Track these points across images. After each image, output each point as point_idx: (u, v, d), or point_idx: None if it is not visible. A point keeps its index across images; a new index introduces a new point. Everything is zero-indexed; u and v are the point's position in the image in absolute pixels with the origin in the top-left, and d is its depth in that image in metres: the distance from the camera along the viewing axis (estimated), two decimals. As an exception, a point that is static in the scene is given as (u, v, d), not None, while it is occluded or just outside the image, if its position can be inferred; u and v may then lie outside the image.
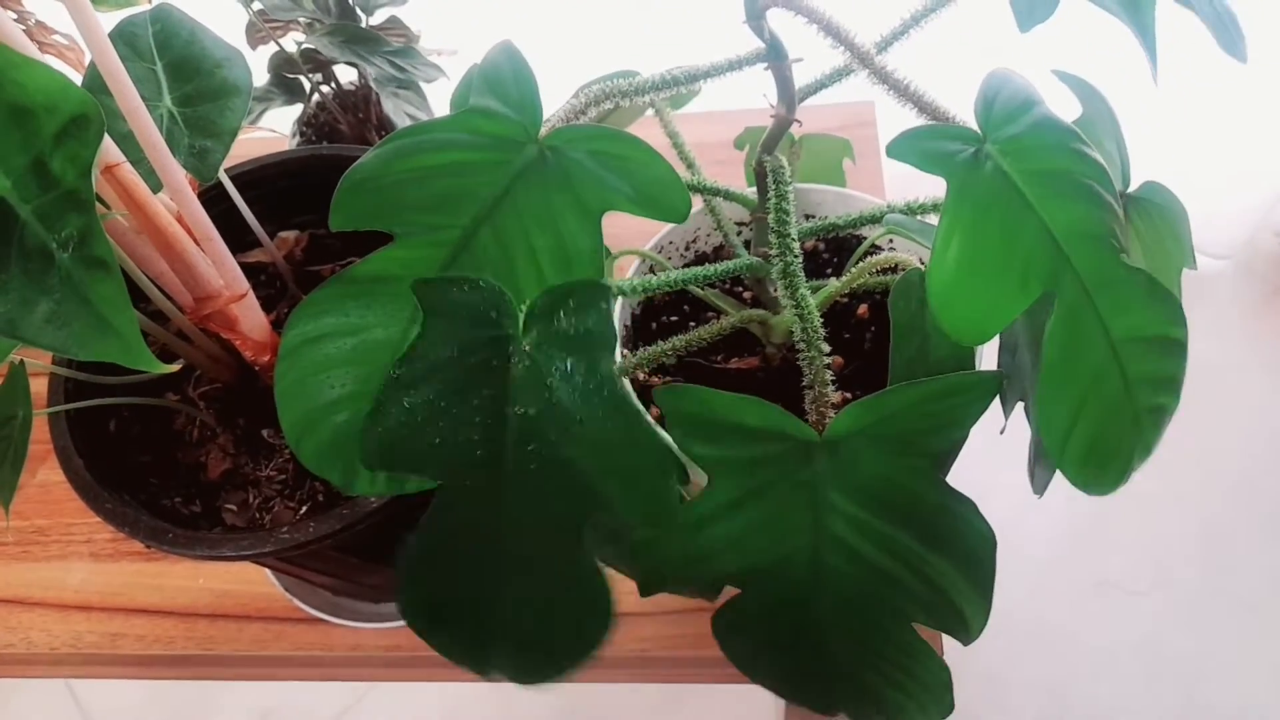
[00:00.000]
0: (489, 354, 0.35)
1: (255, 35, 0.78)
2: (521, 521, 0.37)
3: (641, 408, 0.35)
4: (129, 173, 0.44)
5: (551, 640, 0.39)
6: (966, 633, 0.43)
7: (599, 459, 0.35)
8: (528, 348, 0.35)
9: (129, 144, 0.44)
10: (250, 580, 0.73)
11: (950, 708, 0.44)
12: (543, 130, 0.41)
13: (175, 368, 0.38)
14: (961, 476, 0.41)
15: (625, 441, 0.35)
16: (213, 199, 0.51)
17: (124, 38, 0.51)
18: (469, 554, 0.38)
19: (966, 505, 0.40)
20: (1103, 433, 0.39)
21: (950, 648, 0.46)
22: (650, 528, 0.37)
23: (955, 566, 0.41)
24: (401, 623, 0.68)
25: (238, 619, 0.71)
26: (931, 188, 0.52)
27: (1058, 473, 0.42)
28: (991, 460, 0.60)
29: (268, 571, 0.72)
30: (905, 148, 0.38)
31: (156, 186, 0.45)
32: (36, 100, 0.34)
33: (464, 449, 0.36)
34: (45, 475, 0.80)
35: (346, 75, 0.87)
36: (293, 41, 0.80)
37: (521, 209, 0.41)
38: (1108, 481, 0.40)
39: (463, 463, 0.36)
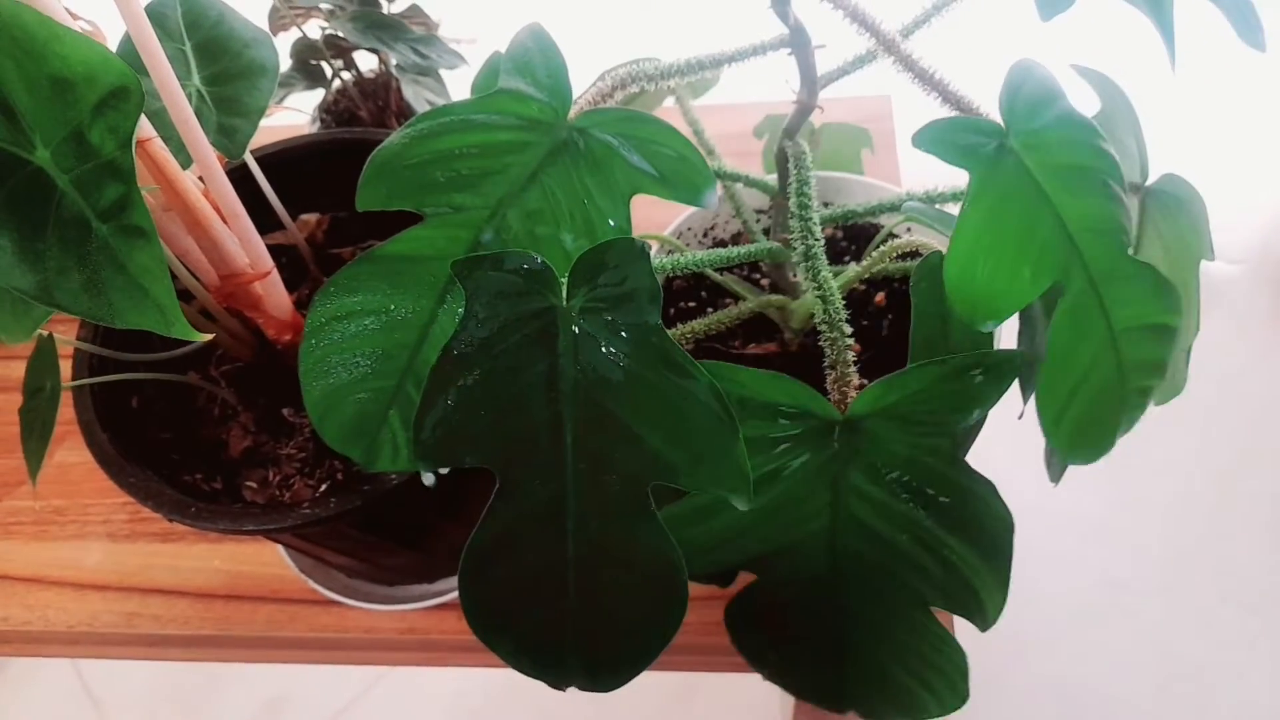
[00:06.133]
0: (536, 326, 0.35)
1: (278, 21, 0.78)
2: (585, 501, 0.36)
3: (692, 360, 0.34)
4: (160, 148, 0.44)
5: (625, 628, 0.38)
6: (983, 617, 0.43)
7: (660, 422, 0.35)
8: (574, 314, 0.35)
9: (160, 120, 0.45)
10: (266, 562, 0.73)
11: (965, 696, 0.45)
12: (571, 112, 0.42)
13: (208, 337, 0.38)
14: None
15: (683, 398, 0.34)
16: (237, 180, 0.51)
17: (153, 18, 0.52)
18: (531, 545, 0.37)
19: (986, 486, 0.40)
20: (1093, 413, 0.40)
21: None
22: (718, 491, 0.36)
23: (973, 549, 0.41)
24: (416, 605, 0.69)
25: (253, 600, 0.72)
26: (947, 179, 0.52)
27: (1070, 469, 0.43)
28: (1002, 460, 0.60)
29: (283, 553, 0.73)
30: (930, 139, 0.38)
31: (186, 162, 0.46)
32: (77, 72, 0.35)
33: (520, 429, 0.36)
34: (63, 456, 0.80)
35: (367, 63, 0.88)
36: (316, 27, 0.81)
37: (550, 190, 0.41)
38: (1091, 455, 0.42)
39: (520, 444, 0.36)
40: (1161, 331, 0.41)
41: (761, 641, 0.46)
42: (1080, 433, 0.40)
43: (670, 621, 0.37)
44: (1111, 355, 0.39)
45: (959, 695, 0.44)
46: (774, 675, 0.47)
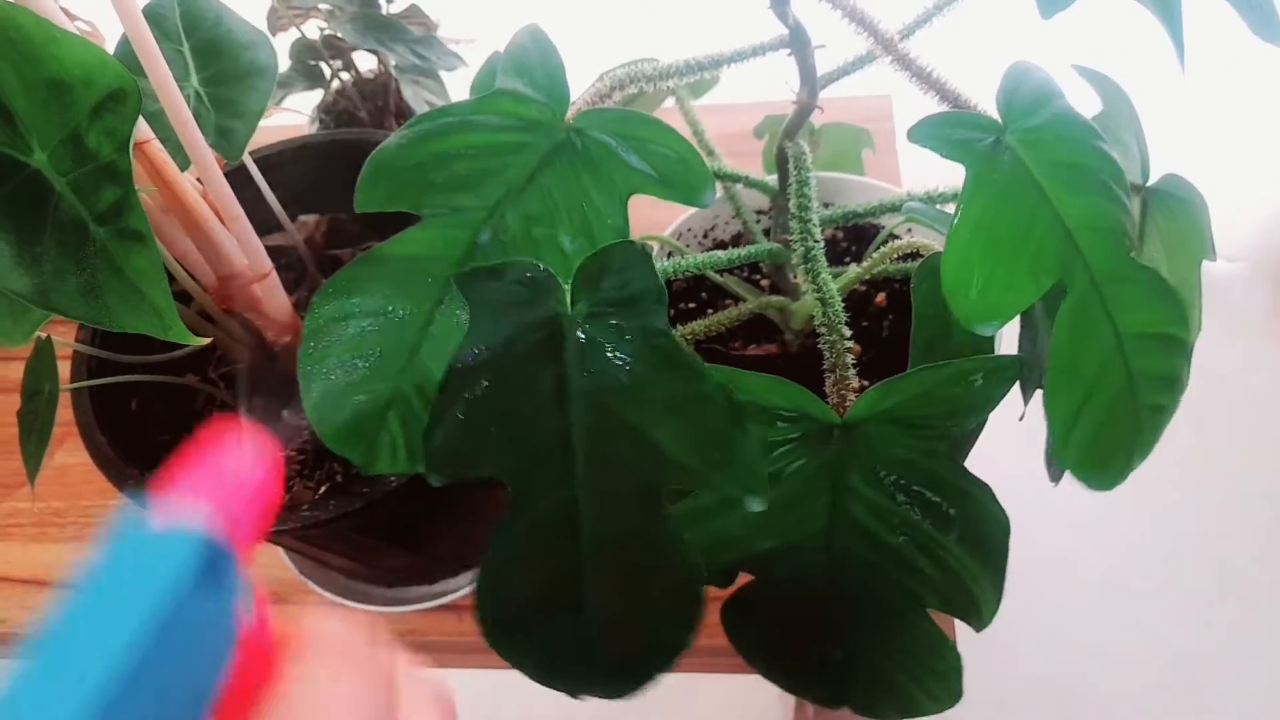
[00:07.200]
0: (541, 335, 0.35)
1: (277, 21, 0.78)
2: (598, 509, 0.36)
3: (700, 360, 0.34)
4: (158, 150, 0.44)
5: (644, 634, 0.38)
6: (978, 618, 0.43)
7: (669, 422, 0.34)
8: (579, 320, 0.35)
9: (158, 122, 0.45)
10: (265, 563, 0.73)
11: (959, 695, 0.45)
12: (569, 113, 0.41)
13: (206, 341, 0.38)
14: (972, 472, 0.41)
15: (690, 398, 0.34)
16: (235, 182, 0.51)
17: (151, 19, 0.51)
18: (547, 557, 0.37)
19: (983, 489, 0.40)
20: (1105, 426, 0.39)
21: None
22: (729, 489, 0.35)
23: (970, 551, 0.41)
24: (415, 607, 0.69)
25: (252, 601, 0.72)
26: (948, 180, 0.52)
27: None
28: (1001, 460, 0.60)
29: (283, 554, 0.73)
30: (926, 133, 0.38)
31: (185, 164, 0.46)
32: (74, 74, 0.34)
33: (530, 439, 0.35)
34: (63, 458, 0.80)
35: (366, 63, 0.87)
36: (315, 28, 0.81)
37: (548, 190, 0.41)
38: (1108, 477, 0.40)
39: (532, 453, 0.35)
40: (1170, 343, 0.40)
41: (758, 640, 0.46)
42: (1092, 450, 0.39)
43: (688, 625, 0.37)
44: (1120, 363, 0.38)
45: (953, 694, 0.44)
46: (770, 673, 0.47)
